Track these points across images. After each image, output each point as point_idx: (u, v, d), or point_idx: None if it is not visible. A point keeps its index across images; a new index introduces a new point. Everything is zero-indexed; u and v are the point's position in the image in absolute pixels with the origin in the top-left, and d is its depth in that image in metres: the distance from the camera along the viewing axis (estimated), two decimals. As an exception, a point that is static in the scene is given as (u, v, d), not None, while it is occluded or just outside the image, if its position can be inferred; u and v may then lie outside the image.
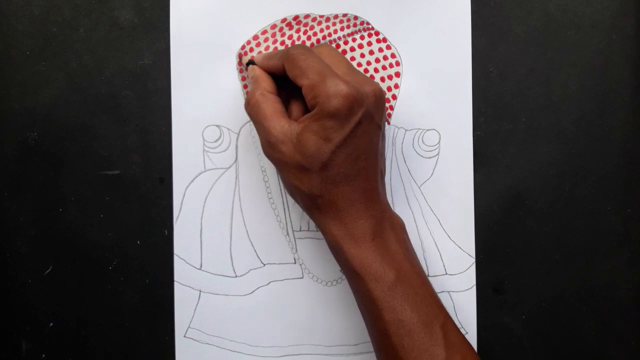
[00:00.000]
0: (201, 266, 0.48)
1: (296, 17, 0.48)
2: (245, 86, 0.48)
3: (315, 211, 0.41)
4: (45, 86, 0.48)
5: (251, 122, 0.48)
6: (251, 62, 0.45)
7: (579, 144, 0.48)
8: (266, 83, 0.43)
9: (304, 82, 0.40)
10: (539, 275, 0.49)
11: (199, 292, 0.48)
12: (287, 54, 0.41)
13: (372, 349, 0.48)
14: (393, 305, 0.39)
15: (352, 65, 0.42)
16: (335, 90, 0.38)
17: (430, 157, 0.48)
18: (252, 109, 0.42)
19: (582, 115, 0.48)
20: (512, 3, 0.48)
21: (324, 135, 0.39)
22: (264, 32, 0.48)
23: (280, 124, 0.40)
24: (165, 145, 0.48)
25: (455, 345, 0.39)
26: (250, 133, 0.48)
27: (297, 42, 0.48)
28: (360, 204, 0.40)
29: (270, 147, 0.41)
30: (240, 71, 0.48)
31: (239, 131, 0.48)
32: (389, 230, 0.41)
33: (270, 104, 0.41)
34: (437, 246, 0.48)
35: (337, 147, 0.39)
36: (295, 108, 0.43)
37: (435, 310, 0.40)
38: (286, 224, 0.49)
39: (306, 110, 0.43)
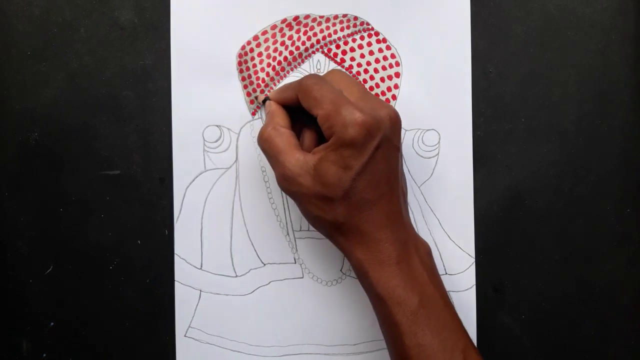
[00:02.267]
0: (201, 266, 0.48)
1: (296, 18, 0.48)
2: (245, 86, 0.48)
3: (340, 237, 0.41)
4: (45, 86, 0.48)
5: (251, 122, 0.48)
6: (267, 99, 0.46)
7: (578, 144, 0.49)
8: (279, 118, 0.43)
9: (318, 112, 0.40)
10: (539, 275, 0.49)
11: (199, 291, 0.48)
12: (301, 85, 0.41)
13: (372, 348, 0.48)
14: (414, 330, 0.39)
15: (364, 89, 0.42)
16: (351, 118, 0.38)
17: (430, 157, 0.48)
18: (264, 143, 0.42)
19: (581, 115, 0.48)
20: (511, 3, 0.48)
21: (344, 164, 0.39)
22: (264, 32, 0.48)
23: (295, 157, 0.40)
24: (166, 145, 0.48)
25: None
26: (250, 133, 0.48)
27: (297, 43, 0.48)
28: (385, 228, 0.40)
29: (286, 181, 0.41)
30: (240, 71, 0.48)
31: (239, 131, 0.48)
32: (414, 253, 0.41)
33: (284, 138, 0.42)
34: (437, 246, 0.48)
35: (358, 174, 0.39)
36: (308, 138, 0.44)
37: (457, 336, 0.40)
38: (286, 224, 0.49)
39: (319, 140, 0.43)
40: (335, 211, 0.40)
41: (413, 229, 0.43)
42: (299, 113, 0.43)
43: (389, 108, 0.40)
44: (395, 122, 0.40)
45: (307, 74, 0.48)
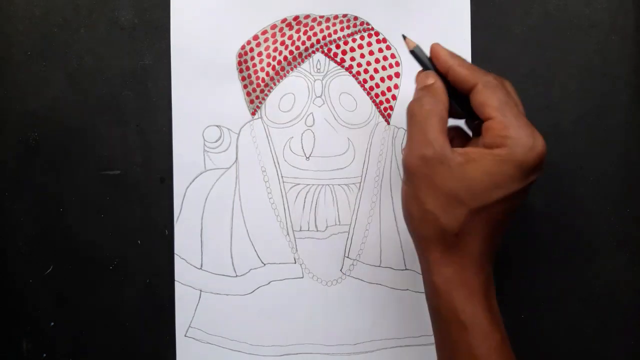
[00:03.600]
0: (202, 266, 0.48)
1: (296, 18, 0.48)
2: (245, 86, 0.48)
3: (439, 247, 0.38)
4: (45, 86, 0.48)
5: (251, 122, 0.48)
6: (422, 58, 0.40)
7: (578, 144, 0.49)
8: (445, 98, 0.39)
9: (496, 115, 0.37)
10: (539, 275, 0.49)
11: (199, 291, 0.48)
12: (485, 77, 0.38)
13: (372, 348, 0.48)
14: None
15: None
16: (534, 143, 0.36)
17: (430, 157, 0.48)
18: (422, 112, 0.38)
19: (581, 115, 0.48)
20: (511, 3, 0.48)
21: (499, 180, 0.36)
22: (264, 32, 0.48)
23: (445, 144, 0.37)
24: (166, 145, 0.48)
25: None
26: (250, 133, 0.49)
27: (297, 43, 0.48)
28: (488, 259, 0.38)
29: (421, 160, 0.37)
30: (240, 71, 0.48)
31: (239, 131, 0.48)
32: (493, 289, 0.39)
33: (443, 121, 0.38)
34: (437, 246, 0.48)
35: (506, 197, 0.36)
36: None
37: None
38: (286, 224, 0.49)
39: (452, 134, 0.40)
40: (457, 218, 0.37)
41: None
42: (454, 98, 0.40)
43: (544, 144, 0.37)
44: (544, 161, 0.38)
45: (307, 73, 0.48)
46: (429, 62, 0.40)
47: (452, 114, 0.40)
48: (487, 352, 0.37)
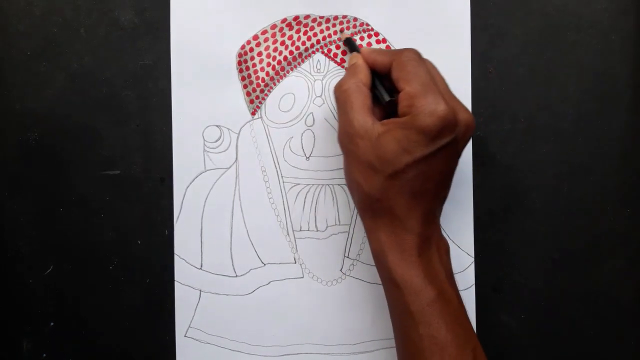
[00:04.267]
0: (201, 266, 0.48)
1: (296, 18, 0.48)
2: (245, 86, 0.48)
3: (369, 212, 0.41)
4: (46, 86, 0.48)
5: (251, 122, 0.48)
6: (352, 44, 0.46)
7: (578, 144, 0.49)
8: (364, 75, 0.42)
9: (405, 87, 0.40)
10: (538, 274, 0.49)
11: (199, 291, 0.48)
12: (400, 55, 0.41)
13: (372, 348, 0.49)
14: (429, 321, 0.39)
15: (449, 88, 0.42)
16: (434, 108, 0.38)
17: (430, 157, 0.48)
18: (341, 94, 0.42)
19: (581, 116, 0.48)
20: (511, 3, 0.48)
21: (406, 147, 0.39)
22: (264, 32, 0.48)
23: (365, 119, 0.40)
24: (166, 145, 0.48)
25: None
26: (250, 133, 0.49)
27: (297, 43, 0.48)
28: (417, 221, 0.40)
29: (347, 137, 0.41)
30: (240, 71, 0.48)
31: (239, 131, 0.48)
32: (435, 250, 0.41)
33: (361, 96, 0.41)
34: (437, 246, 0.48)
35: (415, 162, 0.39)
36: (377, 109, 0.43)
37: (469, 334, 0.40)
38: (286, 224, 0.49)
39: (385, 113, 0.43)
40: (376, 185, 0.40)
41: (440, 228, 0.43)
42: (377, 80, 0.43)
43: (468, 114, 0.40)
44: (469, 129, 0.40)
45: (306, 73, 0.48)
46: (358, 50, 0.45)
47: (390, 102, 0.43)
48: (420, 308, 0.39)
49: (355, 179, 0.41)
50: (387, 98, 0.42)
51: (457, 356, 0.39)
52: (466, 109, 0.41)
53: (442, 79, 0.42)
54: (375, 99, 0.43)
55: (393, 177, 0.39)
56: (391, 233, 0.40)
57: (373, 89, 0.43)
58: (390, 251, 0.40)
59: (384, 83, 0.43)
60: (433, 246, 0.41)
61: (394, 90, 0.42)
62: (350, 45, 0.46)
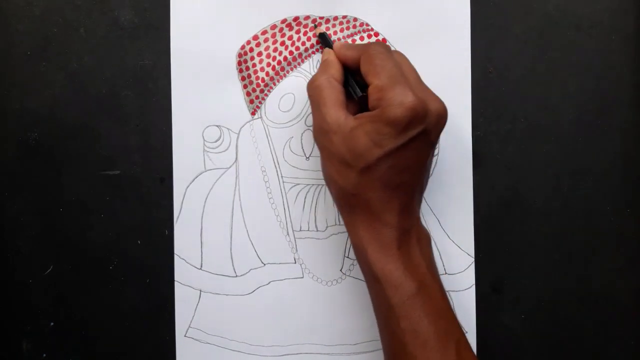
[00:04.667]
0: (201, 266, 0.48)
1: (296, 18, 0.48)
2: (245, 86, 0.48)
3: (346, 208, 0.41)
4: (45, 86, 0.48)
5: (251, 122, 0.48)
6: (326, 40, 0.46)
7: (578, 144, 0.49)
8: (335, 70, 0.42)
9: (374, 80, 0.39)
10: (538, 274, 0.49)
11: (199, 291, 0.48)
12: (367, 49, 0.41)
13: (372, 348, 0.48)
14: (410, 315, 0.39)
15: (420, 79, 0.42)
16: (402, 99, 0.38)
17: (430, 157, 0.48)
18: (313, 90, 0.42)
19: (581, 115, 0.48)
20: (511, 3, 0.48)
21: (377, 140, 0.38)
22: (264, 32, 0.48)
23: (337, 114, 0.40)
24: (166, 145, 0.48)
25: None
26: (250, 133, 0.49)
27: (297, 43, 0.48)
28: (393, 213, 0.40)
29: (320, 133, 0.41)
30: (240, 71, 0.48)
31: (239, 131, 0.48)
32: (415, 242, 0.41)
33: (333, 92, 0.41)
34: (436, 246, 0.48)
35: (386, 154, 0.39)
36: (352, 103, 0.43)
37: (452, 326, 0.40)
38: (286, 224, 0.49)
39: (360, 109, 0.43)
40: (350, 180, 0.40)
41: (420, 220, 0.42)
42: (349, 75, 0.43)
43: (439, 103, 0.40)
44: (441, 118, 0.40)
45: (306, 73, 0.48)
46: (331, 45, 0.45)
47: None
48: (400, 301, 0.39)
49: (331, 174, 0.41)
50: (359, 93, 0.42)
51: (440, 349, 0.38)
52: (437, 99, 0.40)
53: (412, 70, 0.42)
54: (350, 94, 0.43)
55: (366, 171, 0.39)
56: (369, 227, 0.40)
57: (346, 84, 0.43)
58: (369, 245, 0.40)
59: (357, 78, 0.43)
60: (413, 238, 0.41)
61: (366, 87, 0.42)
62: (324, 40, 0.46)
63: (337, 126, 0.40)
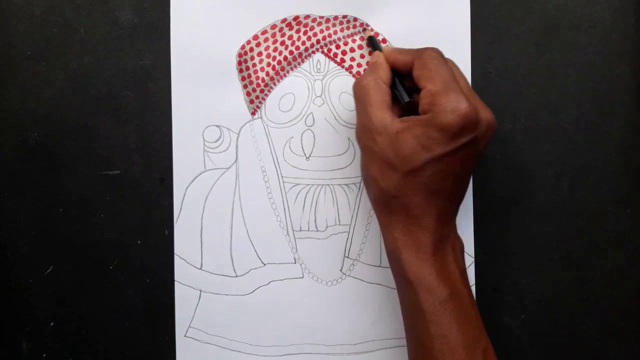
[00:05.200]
0: (201, 266, 0.48)
1: (296, 18, 0.48)
2: (245, 86, 0.48)
3: (384, 209, 0.41)
4: (45, 86, 0.48)
5: (251, 122, 0.48)
6: (375, 43, 0.46)
7: (578, 144, 0.49)
8: (384, 72, 0.42)
9: (427, 85, 0.39)
10: (538, 275, 0.49)
11: (199, 291, 0.48)
12: (422, 53, 0.41)
13: (372, 348, 0.48)
14: (441, 321, 0.39)
15: (471, 88, 0.42)
16: (456, 106, 0.38)
17: (430, 157, 0.48)
18: (360, 90, 0.42)
19: (581, 115, 0.48)
20: (511, 3, 0.48)
21: (425, 144, 0.38)
22: (264, 32, 0.48)
23: (383, 115, 0.40)
24: (166, 145, 0.48)
25: None
26: (250, 133, 0.49)
27: (297, 43, 0.48)
28: (431, 219, 0.40)
29: (365, 133, 0.41)
30: (240, 71, 0.48)
31: (239, 131, 0.48)
32: (450, 250, 0.41)
33: (380, 93, 0.41)
34: (437, 246, 0.48)
35: (433, 159, 0.39)
36: (396, 108, 0.43)
37: (480, 335, 0.40)
38: (286, 224, 0.49)
39: (403, 115, 0.42)
40: (393, 182, 0.39)
41: (455, 228, 0.42)
42: (398, 79, 0.43)
43: (490, 113, 0.41)
44: (490, 128, 0.41)
45: (306, 73, 0.48)
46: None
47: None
48: (432, 307, 0.39)
49: (372, 175, 0.41)
50: (406, 98, 0.42)
51: (467, 357, 0.38)
52: (488, 109, 0.41)
53: (464, 78, 0.42)
54: (395, 98, 0.43)
55: (410, 175, 0.39)
56: (406, 231, 0.40)
57: (393, 88, 0.43)
58: (404, 249, 0.40)
59: (405, 84, 0.43)
60: (448, 246, 0.41)
61: (413, 92, 0.42)
62: (372, 43, 0.46)
63: (383, 127, 0.40)
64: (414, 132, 0.39)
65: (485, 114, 0.40)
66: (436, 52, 0.41)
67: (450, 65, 0.41)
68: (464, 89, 0.40)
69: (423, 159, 0.38)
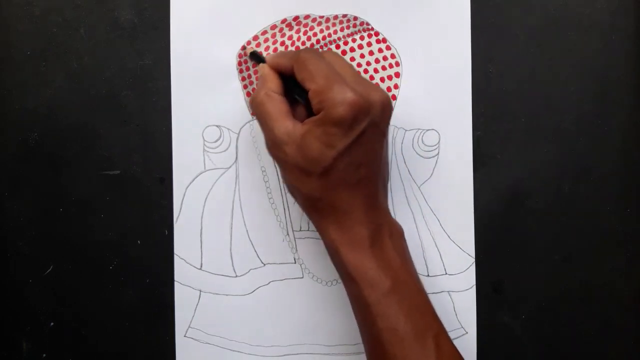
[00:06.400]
0: (201, 266, 0.48)
1: (296, 18, 0.48)
2: (245, 86, 0.48)
3: (314, 213, 0.42)
4: (45, 86, 0.48)
5: (251, 122, 0.48)
6: (257, 56, 0.45)
7: (578, 144, 0.49)
8: (272, 83, 0.42)
9: (311, 86, 0.40)
10: (539, 275, 0.49)
11: (199, 291, 0.48)
12: (298, 56, 0.41)
13: (372, 348, 0.48)
14: (387, 313, 0.39)
15: (358, 73, 0.42)
16: (342, 97, 0.38)
17: (430, 157, 0.48)
18: (256, 107, 0.42)
19: (581, 115, 0.48)
20: (511, 3, 0.48)
21: (327, 142, 0.39)
22: (264, 32, 0.48)
23: (285, 125, 0.40)
24: (166, 145, 0.48)
25: (446, 356, 0.39)
26: (250, 133, 0.49)
27: (297, 43, 0.48)
28: (360, 210, 0.40)
29: (273, 147, 0.41)
30: (240, 71, 0.48)
31: (239, 131, 0.48)
32: (387, 238, 0.41)
33: (275, 104, 0.41)
34: (436, 246, 0.48)
35: (340, 154, 0.39)
36: (301, 109, 0.43)
37: (429, 321, 0.40)
38: (286, 224, 0.49)
39: (310, 112, 0.43)
40: (312, 185, 0.40)
41: (389, 213, 0.43)
42: (292, 83, 0.43)
43: (381, 92, 0.40)
44: (385, 107, 0.40)
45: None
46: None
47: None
48: (376, 300, 0.39)
49: (292, 184, 0.41)
50: (304, 97, 0.42)
51: (418, 346, 0.39)
52: (378, 89, 0.40)
53: (347, 66, 0.41)
54: (297, 100, 0.43)
55: (325, 175, 0.39)
56: (339, 228, 0.40)
57: (291, 92, 0.43)
58: (342, 247, 0.40)
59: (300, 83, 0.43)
60: (385, 233, 0.41)
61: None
62: (255, 58, 0.45)
63: (287, 136, 0.40)
64: (314, 134, 0.39)
65: (376, 95, 0.40)
66: (311, 51, 0.42)
67: (330, 59, 0.41)
68: (348, 79, 0.40)
69: (331, 157, 0.39)
